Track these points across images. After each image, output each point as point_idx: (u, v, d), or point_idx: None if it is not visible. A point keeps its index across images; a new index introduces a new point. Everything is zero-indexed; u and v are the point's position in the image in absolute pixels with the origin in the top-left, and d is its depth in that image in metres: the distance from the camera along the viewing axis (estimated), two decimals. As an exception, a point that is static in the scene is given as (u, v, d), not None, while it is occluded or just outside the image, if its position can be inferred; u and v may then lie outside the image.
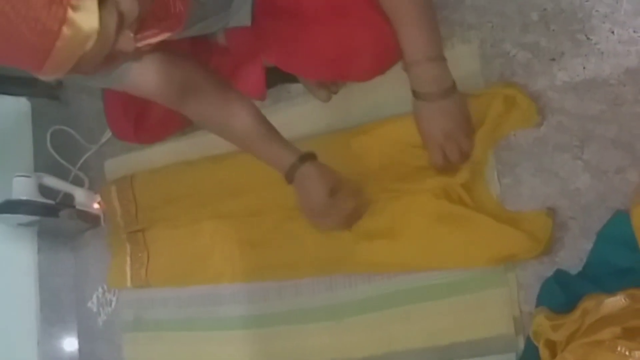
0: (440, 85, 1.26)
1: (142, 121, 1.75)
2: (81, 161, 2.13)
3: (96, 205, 2.02)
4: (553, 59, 1.31)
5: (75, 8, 0.85)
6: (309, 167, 1.36)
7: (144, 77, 1.28)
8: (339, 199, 1.38)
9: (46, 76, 0.92)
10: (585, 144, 1.26)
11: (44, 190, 1.93)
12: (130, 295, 1.99)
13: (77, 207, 1.97)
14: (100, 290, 2.06)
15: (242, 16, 1.51)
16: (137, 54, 1.01)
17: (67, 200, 1.99)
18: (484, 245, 1.31)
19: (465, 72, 1.38)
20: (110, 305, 2.04)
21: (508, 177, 1.34)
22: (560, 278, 1.23)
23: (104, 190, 2.04)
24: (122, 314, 2.02)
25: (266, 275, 1.67)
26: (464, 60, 1.39)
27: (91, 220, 2.01)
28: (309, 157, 1.36)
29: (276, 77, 1.60)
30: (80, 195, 2.00)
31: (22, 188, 1.87)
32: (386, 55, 1.37)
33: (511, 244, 1.28)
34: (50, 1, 0.83)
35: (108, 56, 0.94)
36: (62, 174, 2.06)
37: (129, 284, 1.95)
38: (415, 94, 1.29)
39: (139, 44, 1.00)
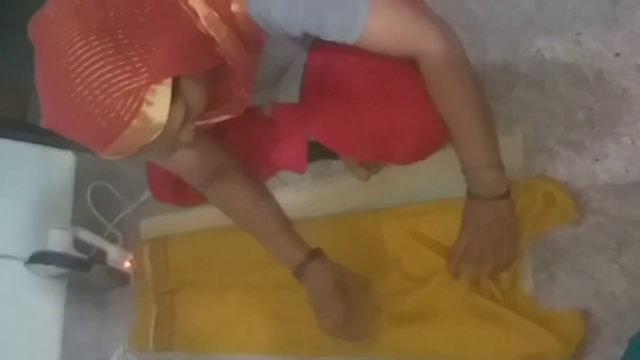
0: (495, 190, 1.26)
1: (181, 185, 1.77)
2: (118, 218, 2.15)
3: (127, 264, 2.02)
4: (596, 159, 1.30)
5: (149, 103, 0.89)
6: (315, 265, 1.40)
7: (183, 156, 1.32)
8: (349, 295, 1.41)
9: (106, 157, 0.96)
10: (622, 248, 1.24)
11: (78, 244, 1.94)
12: (152, 357, 1.97)
13: (109, 263, 1.98)
14: (121, 349, 2.05)
15: (290, 93, 1.54)
16: (192, 142, 1.04)
17: (100, 256, 2.00)
18: (513, 342, 1.28)
19: (506, 165, 1.36)
20: (131, 365, 2.03)
21: (543, 273, 1.32)
22: (589, 383, 1.20)
23: (136, 249, 2.05)
24: (142, 375, 2.00)
25: (289, 351, 1.65)
26: (506, 153, 1.37)
27: (121, 278, 2.01)
28: (316, 254, 1.42)
29: (318, 152, 1.61)
30: (113, 252, 2.01)
31: (57, 240, 1.89)
32: (430, 140, 1.38)
33: (541, 344, 1.25)
34: (127, 93, 0.88)
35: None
36: (97, 229, 2.08)
37: (150, 346, 1.94)
38: (470, 193, 1.30)
39: (198, 123, 1.03)
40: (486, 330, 1.32)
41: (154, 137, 0.93)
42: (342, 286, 1.40)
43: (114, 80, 0.87)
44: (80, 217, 2.15)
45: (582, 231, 1.29)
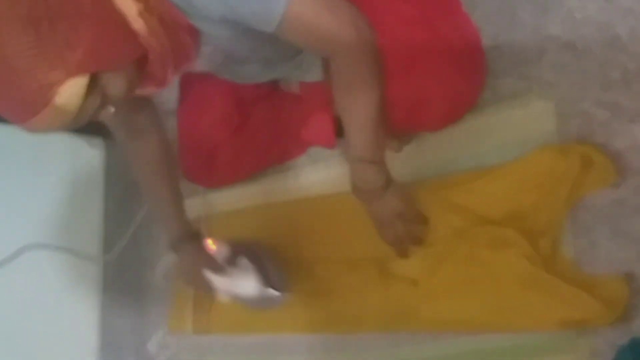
0: (373, 186, 1.35)
1: (212, 166, 1.78)
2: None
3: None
4: (633, 120, 1.27)
5: (61, 96, 0.94)
6: (192, 245, 1.57)
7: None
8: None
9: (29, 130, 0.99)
10: (666, 209, 1.22)
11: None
12: (191, 340, 1.98)
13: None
14: (160, 333, 2.06)
15: (314, 73, 1.54)
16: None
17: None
18: (557, 308, 1.26)
19: (540, 130, 1.36)
20: (170, 348, 2.03)
21: (583, 239, 1.30)
22: (635, 347, 1.18)
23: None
24: (182, 358, 2.01)
25: (328, 328, 1.65)
26: (540, 118, 1.36)
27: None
28: (196, 237, 1.58)
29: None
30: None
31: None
32: (456, 104, 1.40)
33: (584, 309, 1.23)
34: (41, 86, 0.93)
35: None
36: (130, 216, 2.09)
37: (190, 329, 1.95)
38: (353, 186, 1.38)
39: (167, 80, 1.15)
40: (529, 297, 1.30)
41: (66, 121, 0.98)
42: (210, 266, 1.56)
43: (31, 72, 0.91)
44: (113, 204, 2.16)
45: (623, 193, 1.27)
